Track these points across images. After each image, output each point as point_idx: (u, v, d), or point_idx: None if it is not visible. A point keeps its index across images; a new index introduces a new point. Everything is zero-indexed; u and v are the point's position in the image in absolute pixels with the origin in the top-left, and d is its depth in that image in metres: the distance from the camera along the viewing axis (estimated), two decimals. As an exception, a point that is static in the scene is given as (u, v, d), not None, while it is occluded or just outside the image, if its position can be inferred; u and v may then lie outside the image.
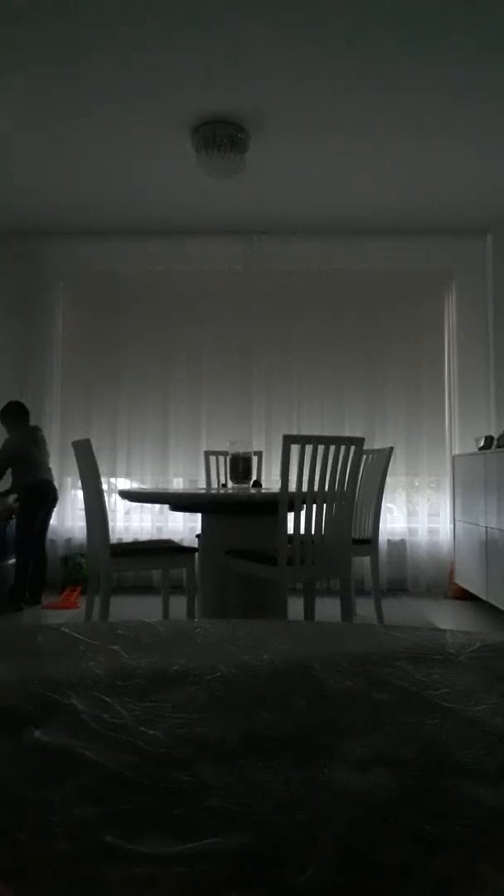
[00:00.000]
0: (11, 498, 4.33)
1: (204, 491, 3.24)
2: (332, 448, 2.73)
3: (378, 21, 2.72)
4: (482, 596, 3.97)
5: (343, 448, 2.77)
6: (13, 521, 4.30)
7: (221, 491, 3.24)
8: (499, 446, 4.11)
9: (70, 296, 5.17)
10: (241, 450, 3.35)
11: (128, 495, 3.10)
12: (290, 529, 2.74)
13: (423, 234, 4.97)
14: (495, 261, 4.88)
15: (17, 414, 4.34)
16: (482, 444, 4.32)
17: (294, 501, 2.70)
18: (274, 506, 2.76)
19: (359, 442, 2.82)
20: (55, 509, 4.51)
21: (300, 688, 0.58)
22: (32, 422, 4.57)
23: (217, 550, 3.15)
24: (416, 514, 4.97)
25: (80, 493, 4.17)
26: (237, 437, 4.68)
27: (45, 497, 4.33)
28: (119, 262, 5.09)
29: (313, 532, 2.74)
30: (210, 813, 0.36)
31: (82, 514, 3.88)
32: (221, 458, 4.32)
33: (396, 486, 4.97)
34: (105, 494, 3.45)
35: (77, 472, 3.59)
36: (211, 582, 3.20)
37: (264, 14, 2.69)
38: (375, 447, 4.58)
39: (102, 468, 3.70)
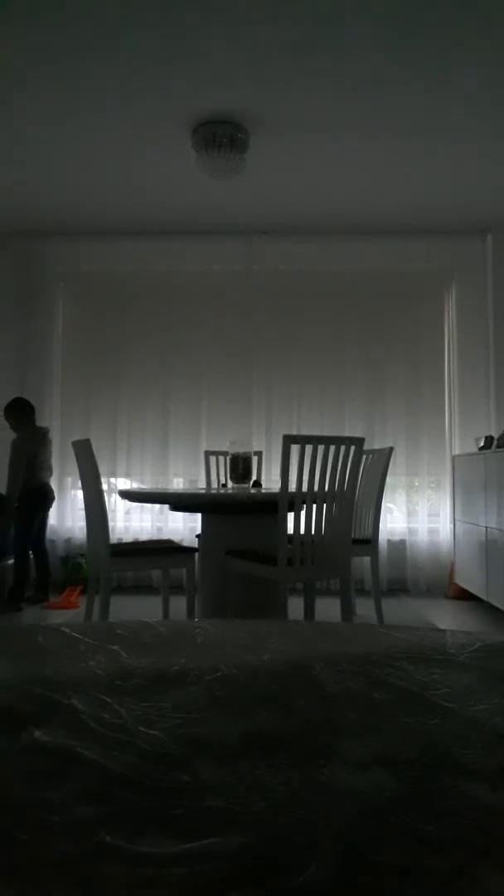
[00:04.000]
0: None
1: (204, 491, 3.24)
2: (332, 448, 2.73)
3: (378, 21, 2.72)
4: (482, 596, 3.97)
5: (343, 448, 2.77)
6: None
7: (221, 491, 3.24)
8: (499, 446, 4.11)
9: (70, 296, 5.17)
10: (241, 450, 3.35)
11: (128, 495, 3.10)
12: (291, 529, 2.74)
13: (423, 234, 4.97)
14: (495, 261, 4.88)
15: (24, 411, 4.32)
16: (482, 444, 4.32)
17: (294, 501, 2.70)
18: (274, 506, 2.76)
19: (359, 442, 2.82)
20: (52, 509, 4.53)
21: (300, 688, 0.58)
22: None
23: (217, 550, 3.15)
24: (416, 514, 4.97)
25: (80, 493, 4.17)
26: (237, 437, 4.68)
27: (46, 499, 4.34)
28: (119, 262, 5.09)
29: (313, 532, 2.74)
30: (210, 813, 0.36)
31: (82, 514, 3.88)
32: (221, 458, 4.32)
33: (396, 486, 4.96)
34: (105, 494, 3.45)
35: (77, 472, 3.59)
36: (211, 582, 3.20)
37: (264, 14, 2.69)
38: (375, 447, 4.58)
39: (102, 468, 3.69)
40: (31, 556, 4.35)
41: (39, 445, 4.28)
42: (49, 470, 4.42)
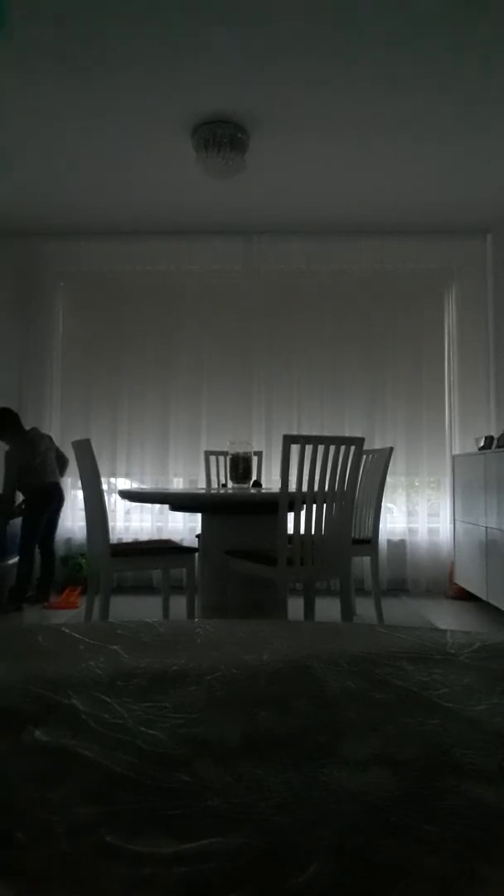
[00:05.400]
0: (18, 499, 4.33)
1: (204, 491, 3.24)
2: (332, 448, 2.73)
3: (378, 21, 2.72)
4: (482, 596, 3.97)
5: (343, 448, 2.77)
6: (17, 522, 4.30)
7: (221, 491, 3.24)
8: (499, 446, 4.11)
9: (70, 296, 5.17)
10: (241, 450, 3.35)
11: (128, 495, 3.10)
12: (291, 529, 2.74)
13: (423, 234, 4.97)
14: (495, 261, 4.87)
15: (8, 423, 4.30)
16: (482, 444, 4.32)
17: (294, 501, 2.70)
18: (274, 506, 2.76)
19: (359, 442, 2.82)
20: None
21: (300, 688, 0.58)
22: (31, 423, 4.57)
23: (217, 550, 3.15)
24: (416, 514, 4.97)
25: (80, 493, 4.17)
26: (237, 437, 4.68)
27: (51, 498, 4.33)
28: (119, 262, 5.09)
29: (313, 532, 2.74)
30: (210, 813, 0.36)
31: (82, 514, 3.88)
32: (221, 458, 4.32)
33: (396, 486, 4.96)
34: (105, 494, 3.45)
35: (77, 472, 3.59)
36: (211, 582, 3.20)
37: (264, 14, 2.69)
38: (375, 447, 4.58)
39: (102, 468, 3.70)
40: (38, 555, 4.35)
41: (29, 448, 4.24)
42: (53, 469, 4.40)
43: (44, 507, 4.29)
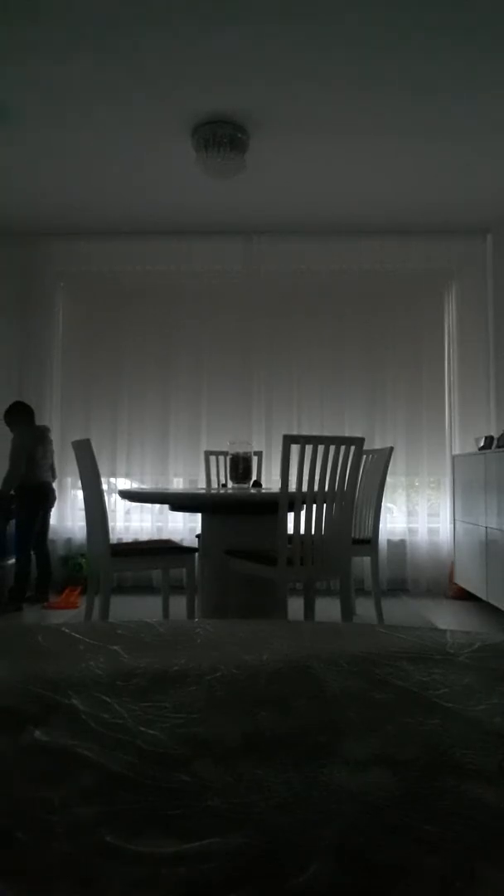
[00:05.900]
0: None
1: (204, 491, 3.24)
2: (332, 448, 2.73)
3: (377, 21, 2.72)
4: (482, 596, 3.97)
5: (343, 448, 2.77)
6: (13, 522, 4.30)
7: (221, 491, 3.24)
8: (499, 446, 4.11)
9: (70, 296, 5.17)
10: (241, 450, 3.35)
11: (128, 495, 3.10)
12: (291, 529, 2.74)
13: (423, 234, 4.97)
14: (495, 261, 4.87)
15: (22, 414, 4.34)
16: (482, 444, 4.32)
17: (294, 501, 2.70)
18: (274, 506, 2.76)
19: (359, 442, 2.82)
20: (53, 509, 4.54)
21: (300, 688, 0.58)
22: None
23: (217, 550, 3.15)
24: (416, 514, 4.97)
25: (80, 493, 4.17)
26: (237, 437, 4.68)
27: (45, 498, 4.35)
28: (119, 262, 5.09)
29: (313, 532, 2.74)
30: (210, 813, 0.36)
31: (82, 514, 3.88)
32: (221, 458, 4.32)
33: (396, 486, 4.96)
34: (105, 494, 3.45)
35: (77, 472, 3.59)
36: (211, 582, 3.20)
37: (264, 14, 2.69)
38: (375, 447, 4.58)
39: (102, 468, 3.70)
40: (33, 556, 4.36)
41: (38, 442, 4.30)
42: (50, 470, 4.43)
43: (38, 507, 4.30)
